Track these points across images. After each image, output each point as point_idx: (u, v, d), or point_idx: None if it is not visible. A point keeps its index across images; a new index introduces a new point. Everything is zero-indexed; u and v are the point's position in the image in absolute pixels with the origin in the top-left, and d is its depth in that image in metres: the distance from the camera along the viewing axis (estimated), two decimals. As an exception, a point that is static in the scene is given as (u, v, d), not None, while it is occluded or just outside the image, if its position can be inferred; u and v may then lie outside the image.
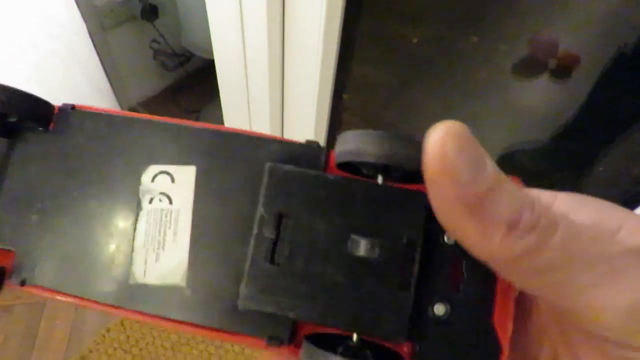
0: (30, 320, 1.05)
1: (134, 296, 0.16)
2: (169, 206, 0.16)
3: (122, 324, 1.03)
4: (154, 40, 1.48)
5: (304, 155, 0.16)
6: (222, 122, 0.92)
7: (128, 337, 1.01)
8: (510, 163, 0.79)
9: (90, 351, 1.00)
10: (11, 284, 0.17)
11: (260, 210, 0.15)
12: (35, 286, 0.17)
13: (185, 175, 0.16)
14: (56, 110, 0.19)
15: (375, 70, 0.90)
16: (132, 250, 0.16)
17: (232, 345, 1.00)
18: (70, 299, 0.16)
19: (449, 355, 0.15)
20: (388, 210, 0.15)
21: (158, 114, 0.18)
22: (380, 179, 0.16)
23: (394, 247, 0.15)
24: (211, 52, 0.79)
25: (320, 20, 0.60)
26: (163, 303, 0.15)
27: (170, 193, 0.16)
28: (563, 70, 0.65)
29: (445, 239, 0.16)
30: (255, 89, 0.76)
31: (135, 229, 0.16)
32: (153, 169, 0.17)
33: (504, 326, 0.15)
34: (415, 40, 0.83)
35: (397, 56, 0.88)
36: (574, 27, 0.63)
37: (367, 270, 0.15)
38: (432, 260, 0.15)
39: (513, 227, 0.12)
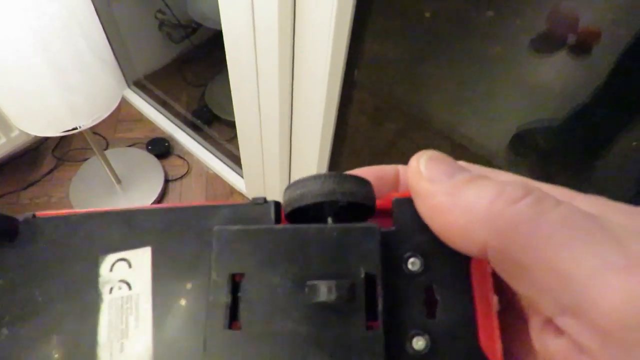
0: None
1: None
2: (128, 292, 0.16)
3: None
4: (159, 11, 1.45)
5: (252, 213, 0.16)
6: (229, 97, 0.91)
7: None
8: (524, 142, 0.78)
9: None
10: None
11: (212, 275, 0.14)
12: None
13: (142, 258, 0.16)
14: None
15: (386, 44, 0.88)
16: (97, 346, 0.15)
17: None
18: None
19: None
20: (342, 250, 0.14)
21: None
22: (329, 220, 0.15)
23: (353, 285, 0.14)
24: (218, 23, 0.77)
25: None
26: None
27: (128, 279, 0.16)
28: (583, 46, 0.64)
29: (410, 266, 0.15)
30: (264, 60, 0.74)
31: (98, 324, 0.15)
32: (110, 258, 0.16)
33: (492, 347, 0.14)
34: (428, 14, 0.81)
35: (410, 31, 0.86)
36: (595, 2, 0.61)
37: (331, 316, 0.14)
38: (398, 292, 0.15)
39: (497, 196, 0.12)
